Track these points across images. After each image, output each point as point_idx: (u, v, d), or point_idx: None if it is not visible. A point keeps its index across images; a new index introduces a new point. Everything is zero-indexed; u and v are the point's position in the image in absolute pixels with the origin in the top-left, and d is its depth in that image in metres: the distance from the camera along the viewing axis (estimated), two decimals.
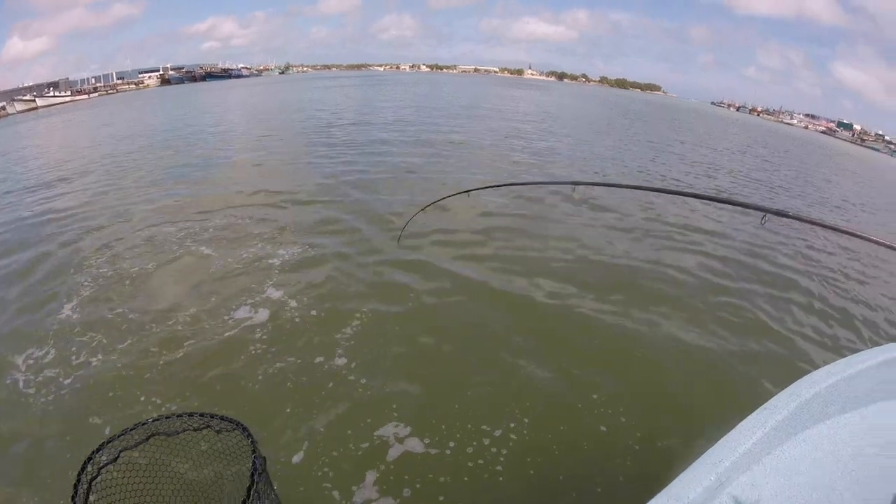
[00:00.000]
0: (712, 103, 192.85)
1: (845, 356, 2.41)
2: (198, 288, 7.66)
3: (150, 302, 7.23)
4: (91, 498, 1.73)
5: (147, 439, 1.97)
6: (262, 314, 6.86)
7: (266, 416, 4.89)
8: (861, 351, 2.45)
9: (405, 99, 49.06)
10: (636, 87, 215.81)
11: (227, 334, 6.36)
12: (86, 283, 7.87)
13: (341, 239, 9.81)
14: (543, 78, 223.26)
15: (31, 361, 5.88)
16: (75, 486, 1.72)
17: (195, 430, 2.05)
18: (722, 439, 1.85)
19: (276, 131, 25.28)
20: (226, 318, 6.75)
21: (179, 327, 6.50)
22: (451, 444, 4.65)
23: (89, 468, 1.79)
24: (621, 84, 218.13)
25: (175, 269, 8.38)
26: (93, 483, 1.76)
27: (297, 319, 6.76)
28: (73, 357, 5.94)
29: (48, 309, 7.11)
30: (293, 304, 7.15)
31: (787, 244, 12.03)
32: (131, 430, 1.95)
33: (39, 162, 19.98)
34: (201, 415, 2.05)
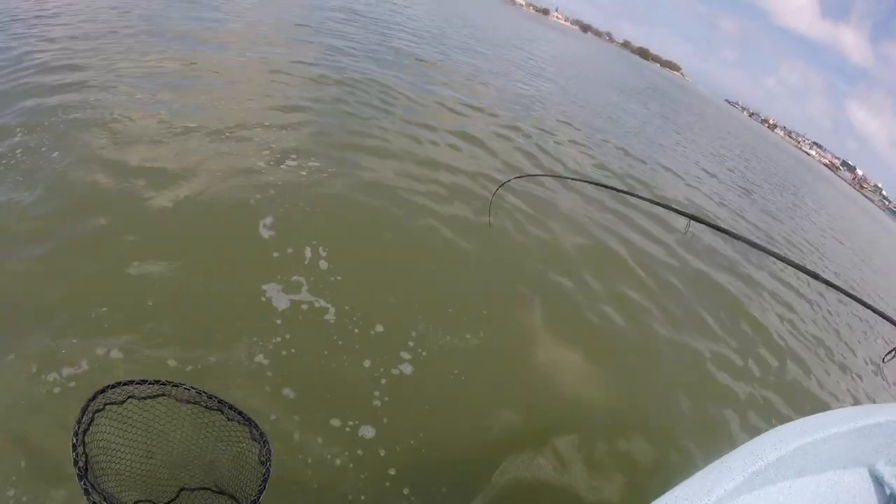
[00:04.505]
0: (726, 100, 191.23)
1: None
2: None
3: None
4: (92, 429, 1.78)
5: (157, 396, 1.98)
6: None
7: None
8: (834, 410, 2.39)
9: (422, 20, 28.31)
10: (657, 61, 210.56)
11: None
12: None
13: None
14: (568, 24, 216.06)
15: None
16: (82, 412, 1.77)
17: (207, 408, 2.05)
18: (665, 495, 1.72)
19: None
20: None
21: None
22: None
23: (99, 399, 1.83)
24: (643, 53, 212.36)
25: None
26: (96, 416, 1.81)
27: None
28: None
29: None
30: None
31: None
32: (148, 383, 1.95)
33: None
34: (220, 400, 2.05)
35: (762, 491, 2.08)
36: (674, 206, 2.96)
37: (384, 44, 15.64)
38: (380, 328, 4.20)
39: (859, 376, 8.39)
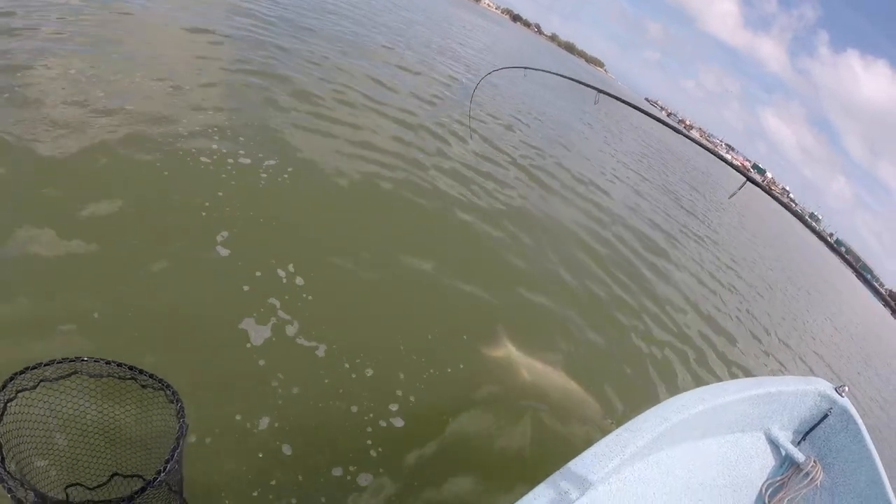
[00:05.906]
0: (646, 99, 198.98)
1: None
2: None
3: None
4: (5, 419, 1.76)
5: (69, 375, 1.97)
6: None
7: None
8: (730, 381, 2.66)
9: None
10: (582, 57, 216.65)
11: None
12: None
13: None
14: (498, 13, 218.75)
15: None
16: None
17: (119, 378, 2.06)
18: (576, 458, 1.87)
19: None
20: None
21: None
22: None
23: (9, 387, 1.81)
24: (570, 48, 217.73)
25: None
26: (8, 405, 1.79)
27: None
28: None
29: None
30: None
31: None
32: (57, 362, 1.93)
33: None
34: (130, 367, 2.05)
35: (671, 450, 2.36)
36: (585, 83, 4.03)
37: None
38: (370, 371, 3.81)
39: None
